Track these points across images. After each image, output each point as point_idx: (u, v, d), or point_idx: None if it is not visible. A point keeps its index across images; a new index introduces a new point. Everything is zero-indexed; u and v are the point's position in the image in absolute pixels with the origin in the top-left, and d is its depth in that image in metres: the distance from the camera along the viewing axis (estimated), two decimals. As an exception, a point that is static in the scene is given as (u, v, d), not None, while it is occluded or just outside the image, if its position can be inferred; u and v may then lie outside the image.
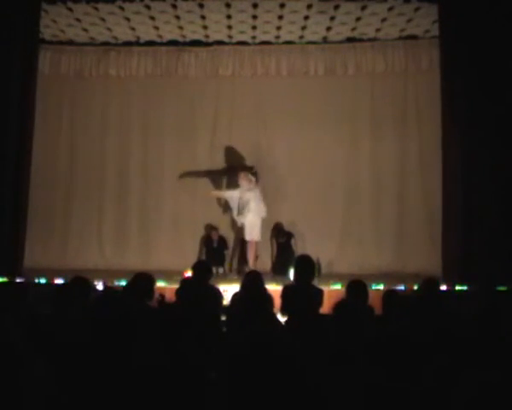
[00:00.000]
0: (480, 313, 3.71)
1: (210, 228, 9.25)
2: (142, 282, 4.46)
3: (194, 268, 5.06)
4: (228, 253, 9.17)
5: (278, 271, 8.35)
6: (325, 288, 5.19)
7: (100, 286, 5.93)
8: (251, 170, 8.83)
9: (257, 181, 8.59)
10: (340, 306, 3.27)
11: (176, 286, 4.82)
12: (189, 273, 5.66)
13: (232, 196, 8.61)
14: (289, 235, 8.83)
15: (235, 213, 8.58)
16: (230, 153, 9.46)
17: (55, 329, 3.36)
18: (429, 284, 4.44)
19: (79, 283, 4.21)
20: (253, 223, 8.30)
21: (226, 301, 4.94)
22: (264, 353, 2.30)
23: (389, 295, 4.50)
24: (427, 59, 9.05)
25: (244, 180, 8.41)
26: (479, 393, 2.06)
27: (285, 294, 4.58)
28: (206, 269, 5.12)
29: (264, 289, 4.15)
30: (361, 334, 2.97)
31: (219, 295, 4.98)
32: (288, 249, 8.64)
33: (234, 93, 9.68)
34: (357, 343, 2.84)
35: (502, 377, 2.09)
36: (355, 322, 3.11)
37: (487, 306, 4.12)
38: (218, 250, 9.07)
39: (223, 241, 9.16)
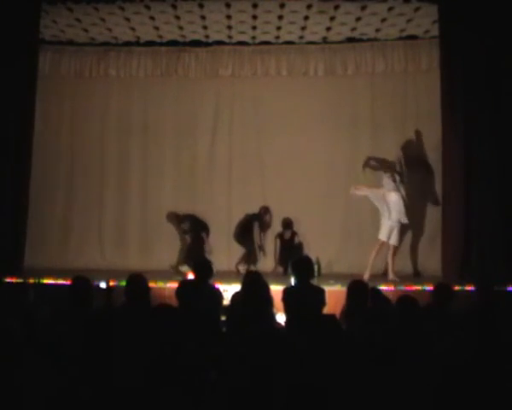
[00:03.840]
0: (479, 313, 3.72)
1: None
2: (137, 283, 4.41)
3: (196, 267, 5.07)
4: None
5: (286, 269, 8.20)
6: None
7: (103, 285, 5.94)
8: (395, 169, 8.34)
9: (402, 182, 8.20)
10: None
11: (175, 286, 4.82)
12: (190, 276, 5.67)
13: (376, 195, 8.16)
14: (294, 233, 8.81)
15: (385, 214, 8.06)
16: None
17: (56, 329, 3.37)
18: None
19: (81, 282, 4.21)
20: (391, 225, 7.96)
21: (226, 301, 4.95)
22: (264, 353, 2.31)
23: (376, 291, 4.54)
24: (427, 59, 9.03)
25: (388, 179, 8.12)
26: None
27: (286, 296, 4.58)
28: (207, 268, 5.12)
29: (266, 290, 4.14)
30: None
31: (219, 295, 4.99)
32: (294, 248, 8.59)
33: (234, 93, 9.67)
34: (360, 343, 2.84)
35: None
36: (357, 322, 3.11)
37: (486, 306, 4.13)
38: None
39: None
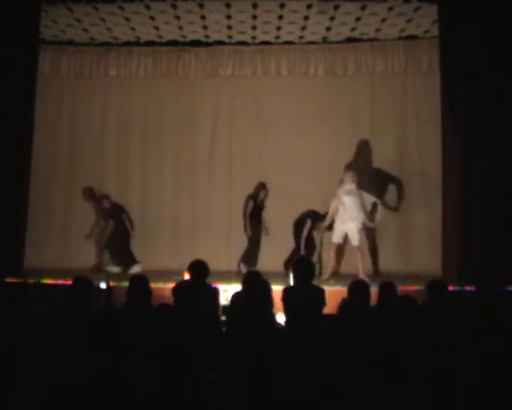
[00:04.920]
0: (480, 314, 3.71)
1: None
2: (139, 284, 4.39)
3: (191, 267, 5.05)
4: None
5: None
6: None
7: (103, 285, 5.93)
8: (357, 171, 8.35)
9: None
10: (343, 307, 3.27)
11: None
12: (186, 276, 5.64)
13: (343, 201, 8.03)
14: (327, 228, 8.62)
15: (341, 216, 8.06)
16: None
17: (57, 329, 3.36)
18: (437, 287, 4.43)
19: (81, 282, 4.21)
20: (352, 228, 7.99)
21: (226, 301, 4.94)
22: (264, 353, 2.31)
23: (386, 286, 4.51)
24: (427, 59, 9.05)
25: (350, 178, 8.08)
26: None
27: (286, 296, 4.58)
28: (203, 268, 5.10)
29: (266, 290, 4.13)
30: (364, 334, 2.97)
31: (216, 294, 4.96)
32: (310, 248, 8.51)
33: (234, 93, 9.69)
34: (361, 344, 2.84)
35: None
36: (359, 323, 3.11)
37: (487, 306, 4.12)
38: None
39: None
